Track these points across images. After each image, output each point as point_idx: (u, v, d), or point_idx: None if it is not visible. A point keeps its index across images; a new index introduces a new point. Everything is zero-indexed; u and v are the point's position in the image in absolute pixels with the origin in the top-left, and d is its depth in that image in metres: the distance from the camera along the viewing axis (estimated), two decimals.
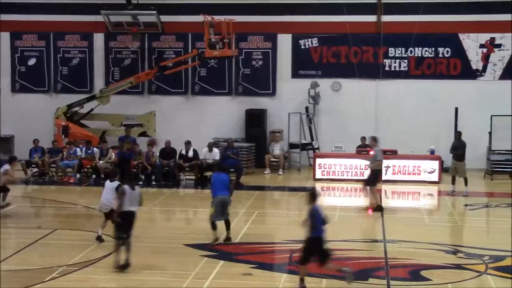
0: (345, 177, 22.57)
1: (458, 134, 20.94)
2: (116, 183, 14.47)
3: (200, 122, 25.37)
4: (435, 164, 22.42)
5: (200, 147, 22.72)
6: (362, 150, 22.96)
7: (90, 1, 25.48)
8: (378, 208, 18.25)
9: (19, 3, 25.98)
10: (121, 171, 19.98)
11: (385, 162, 22.22)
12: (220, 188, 14.69)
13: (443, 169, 22.48)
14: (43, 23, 26.14)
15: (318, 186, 21.91)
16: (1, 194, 17.73)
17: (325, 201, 20.99)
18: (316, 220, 11.49)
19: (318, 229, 11.49)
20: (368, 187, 18.68)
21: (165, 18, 25.09)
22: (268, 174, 23.98)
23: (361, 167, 22.32)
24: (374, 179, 18.76)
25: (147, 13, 24.84)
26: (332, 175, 22.72)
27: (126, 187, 12.93)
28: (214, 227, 14.55)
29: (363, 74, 24.95)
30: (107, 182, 14.71)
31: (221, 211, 14.60)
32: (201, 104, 25.79)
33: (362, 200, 19.55)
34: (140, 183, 21.46)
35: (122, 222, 12.68)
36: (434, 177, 22.34)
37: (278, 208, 20.16)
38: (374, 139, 19.13)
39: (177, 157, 22.57)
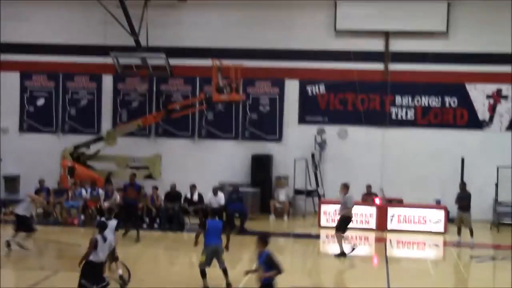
0: (350, 225, 22.35)
1: (463, 185, 20.87)
2: (114, 221, 14.41)
3: (206, 165, 25.36)
4: (440, 214, 22.27)
5: (206, 191, 22.63)
6: (368, 197, 22.94)
7: (100, 43, 25.72)
8: (341, 254, 18.16)
9: (29, 44, 26.23)
10: (127, 215, 20.25)
11: (391, 211, 22.23)
12: (214, 236, 14.44)
13: (449, 219, 22.32)
14: (53, 64, 26.38)
15: (323, 233, 21.81)
16: (26, 233, 17.59)
17: (330, 249, 20.95)
18: (268, 267, 11.26)
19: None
20: (337, 233, 18.59)
21: (174, 61, 25.26)
22: (273, 220, 23.88)
23: (366, 215, 22.20)
24: (343, 226, 18.66)
25: (156, 56, 25.02)
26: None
27: (98, 237, 12.54)
28: (203, 275, 14.31)
29: (370, 121, 25.02)
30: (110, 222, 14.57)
31: (211, 260, 14.34)
32: (207, 148, 25.84)
33: (366, 248, 19.39)
34: (144, 226, 21.51)
35: (88, 272, 12.26)
36: (440, 227, 22.17)
37: (282, 254, 19.82)
38: (345, 186, 19.17)
39: (182, 200, 22.53)
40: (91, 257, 12.26)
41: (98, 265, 12.33)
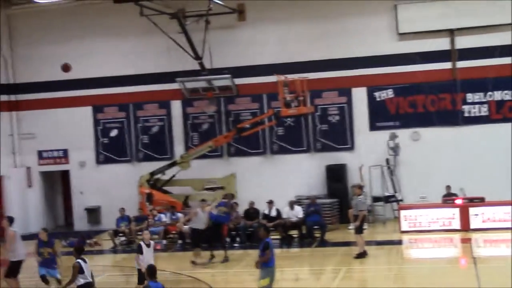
0: (432, 228, 22.01)
1: None
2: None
3: (281, 181, 25.36)
4: None
5: (283, 206, 22.70)
6: (448, 199, 22.51)
7: (166, 70, 26.17)
8: (362, 254, 18.84)
9: (99, 78, 26.90)
10: (214, 234, 20.33)
11: (473, 211, 21.74)
12: (273, 256, 13.83)
13: None
14: (122, 95, 26.95)
15: (406, 238, 21.50)
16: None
17: (413, 253, 20.64)
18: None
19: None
20: (357, 235, 19.15)
21: (239, 80, 25.49)
22: (353, 229, 23.63)
23: (448, 216, 21.78)
24: (362, 227, 19.22)
25: (221, 77, 25.31)
26: (419, 226, 22.18)
27: (80, 261, 12.86)
28: None
29: (442, 121, 24.63)
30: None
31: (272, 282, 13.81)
32: (280, 163, 25.88)
33: (452, 250, 19.01)
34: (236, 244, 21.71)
35: None
36: None
37: (365, 264, 19.74)
38: (359, 187, 19.53)
39: (261, 217, 22.60)
40: None
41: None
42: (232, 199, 22.13)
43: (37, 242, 16.05)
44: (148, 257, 14.88)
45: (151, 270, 11.59)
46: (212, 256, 19.65)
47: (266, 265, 13.47)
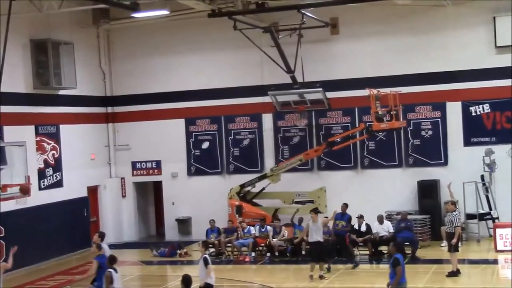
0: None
1: None
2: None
3: (371, 195, 25.02)
4: None
5: (372, 221, 22.38)
6: None
7: (258, 84, 26.37)
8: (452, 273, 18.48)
9: (192, 91, 27.35)
10: (338, 248, 21.20)
11: None
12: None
13: None
14: (214, 108, 27.27)
15: (501, 258, 20.78)
16: None
17: (509, 274, 19.91)
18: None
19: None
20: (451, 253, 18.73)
21: (330, 94, 25.35)
22: (445, 247, 23.02)
23: None
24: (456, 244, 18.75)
25: (313, 91, 25.22)
26: None
27: (111, 271, 13.51)
28: None
29: None
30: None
31: None
32: (371, 178, 25.54)
33: None
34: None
35: None
36: None
37: (457, 283, 19.17)
38: (452, 203, 18.95)
39: (350, 231, 22.36)
40: None
41: None
42: (345, 210, 22.42)
43: None
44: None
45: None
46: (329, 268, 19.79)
47: (398, 283, 13.40)
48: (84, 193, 26.41)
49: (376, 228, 22.13)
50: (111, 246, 26.67)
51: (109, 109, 28.45)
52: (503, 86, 24.08)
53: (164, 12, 24.38)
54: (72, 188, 25.58)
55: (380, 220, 22.22)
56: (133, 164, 28.28)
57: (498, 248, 21.56)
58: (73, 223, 25.12)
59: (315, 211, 20.20)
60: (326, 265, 20.01)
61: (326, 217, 22.20)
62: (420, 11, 24.52)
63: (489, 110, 24.44)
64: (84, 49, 26.76)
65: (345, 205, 22.51)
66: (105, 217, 27.62)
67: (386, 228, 21.99)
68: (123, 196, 28.23)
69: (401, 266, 13.37)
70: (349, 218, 22.31)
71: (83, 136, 26.74)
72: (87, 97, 27.15)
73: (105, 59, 28.17)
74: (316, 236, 19.55)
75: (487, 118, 24.48)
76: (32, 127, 24.01)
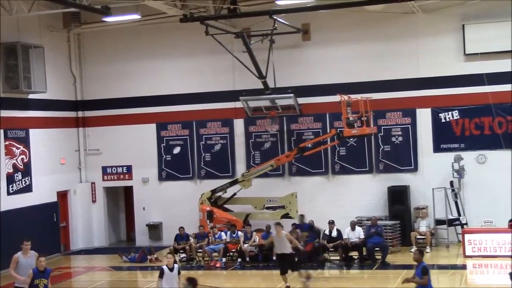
0: (498, 253, 21.44)
1: None
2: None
3: (342, 201, 25.16)
4: None
5: (343, 227, 22.49)
6: None
7: (229, 89, 26.38)
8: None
9: (164, 96, 27.28)
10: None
11: None
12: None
13: None
14: (186, 113, 27.20)
15: (469, 263, 21.00)
16: None
17: (477, 279, 20.13)
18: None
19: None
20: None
21: (302, 100, 25.43)
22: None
23: None
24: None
25: (285, 96, 25.27)
26: (484, 251, 21.63)
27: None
28: None
29: (510, 144, 24.00)
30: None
31: None
32: (342, 183, 25.66)
33: None
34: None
35: None
36: None
37: None
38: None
39: (321, 237, 22.44)
40: None
41: None
42: (303, 220, 22.81)
43: (32, 271, 14.75)
44: (169, 281, 14.86)
45: None
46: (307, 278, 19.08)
47: None
48: (53, 198, 26.15)
49: (348, 234, 22.24)
50: (81, 252, 26.68)
51: (80, 114, 28.22)
52: (472, 93, 24.37)
53: (136, 16, 24.32)
54: (42, 193, 25.32)
55: (353, 226, 22.33)
56: (104, 169, 28.10)
57: (467, 254, 21.75)
58: (42, 229, 24.75)
59: (279, 224, 19.16)
60: (304, 273, 19.50)
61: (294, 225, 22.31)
62: (391, 18, 24.72)
63: (458, 117, 24.70)
64: (54, 53, 26.54)
65: (301, 216, 23.12)
66: (75, 222, 27.40)
67: (357, 234, 22.10)
68: (93, 201, 28.05)
69: (428, 274, 13.64)
70: (310, 226, 22.36)
71: (53, 140, 26.47)
72: (58, 101, 26.93)
73: (76, 63, 27.98)
74: (282, 248, 18.66)
75: (456, 125, 24.73)
76: (1, 131, 23.77)
